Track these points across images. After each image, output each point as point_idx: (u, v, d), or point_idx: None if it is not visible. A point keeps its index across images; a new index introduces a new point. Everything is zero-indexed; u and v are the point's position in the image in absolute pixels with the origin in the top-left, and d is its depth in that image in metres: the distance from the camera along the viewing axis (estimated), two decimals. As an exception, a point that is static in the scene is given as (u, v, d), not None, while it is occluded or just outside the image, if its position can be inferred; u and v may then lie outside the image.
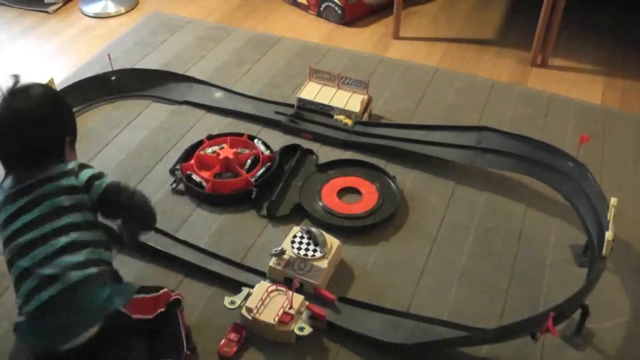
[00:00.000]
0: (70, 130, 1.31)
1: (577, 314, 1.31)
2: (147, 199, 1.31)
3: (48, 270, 1.12)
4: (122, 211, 1.28)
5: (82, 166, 1.26)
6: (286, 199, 1.69)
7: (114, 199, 1.25)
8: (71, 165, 1.24)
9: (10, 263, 1.17)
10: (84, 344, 1.11)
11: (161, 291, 1.25)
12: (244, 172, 1.73)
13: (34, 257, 1.13)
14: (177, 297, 1.28)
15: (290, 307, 1.33)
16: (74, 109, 2.00)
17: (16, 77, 1.25)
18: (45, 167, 1.21)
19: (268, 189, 1.70)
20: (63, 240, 1.15)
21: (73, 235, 1.16)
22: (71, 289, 1.12)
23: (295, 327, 1.31)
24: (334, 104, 1.93)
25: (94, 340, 1.11)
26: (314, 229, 1.51)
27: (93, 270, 1.15)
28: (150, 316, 1.21)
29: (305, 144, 1.88)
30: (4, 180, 1.24)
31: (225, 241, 1.58)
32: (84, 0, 2.71)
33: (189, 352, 1.28)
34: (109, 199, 1.24)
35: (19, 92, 1.23)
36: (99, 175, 1.26)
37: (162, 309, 1.24)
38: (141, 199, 1.29)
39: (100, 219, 1.26)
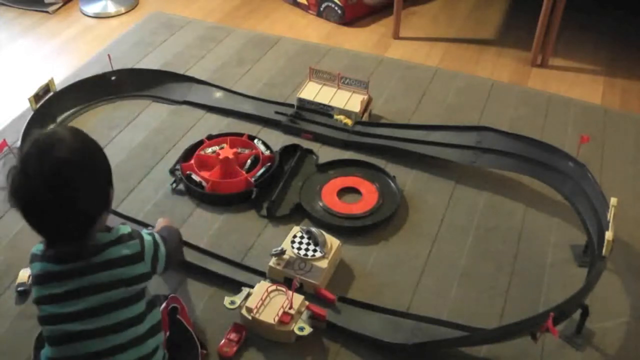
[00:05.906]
0: (110, 183, 1.11)
1: (577, 314, 1.31)
2: (174, 235, 1.39)
3: None
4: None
5: (141, 240, 1.13)
6: (286, 199, 1.69)
7: (169, 260, 1.23)
8: (133, 246, 1.10)
9: (51, 341, 1.07)
10: None
11: (161, 308, 1.23)
12: (244, 172, 1.73)
13: (86, 348, 1.05)
14: (173, 304, 1.27)
15: (290, 307, 1.33)
16: (74, 109, 2.02)
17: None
18: (88, 237, 1.05)
19: (268, 189, 1.70)
20: (119, 339, 1.06)
21: (130, 332, 1.08)
22: None
23: (295, 327, 1.31)
24: (334, 104, 1.93)
25: None
26: (314, 229, 1.51)
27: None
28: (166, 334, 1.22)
29: (305, 144, 1.87)
30: (46, 250, 1.07)
31: (225, 241, 1.58)
32: (84, 0, 2.71)
33: (204, 351, 1.29)
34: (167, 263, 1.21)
35: (50, 144, 1.00)
36: (156, 245, 1.17)
37: (169, 321, 1.24)
38: (173, 246, 1.30)
39: None
